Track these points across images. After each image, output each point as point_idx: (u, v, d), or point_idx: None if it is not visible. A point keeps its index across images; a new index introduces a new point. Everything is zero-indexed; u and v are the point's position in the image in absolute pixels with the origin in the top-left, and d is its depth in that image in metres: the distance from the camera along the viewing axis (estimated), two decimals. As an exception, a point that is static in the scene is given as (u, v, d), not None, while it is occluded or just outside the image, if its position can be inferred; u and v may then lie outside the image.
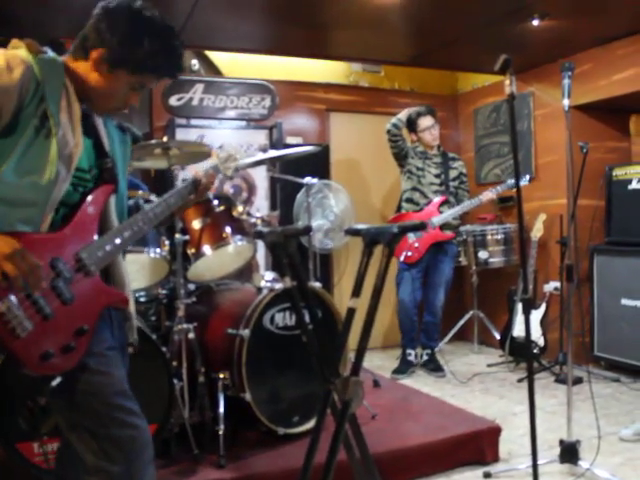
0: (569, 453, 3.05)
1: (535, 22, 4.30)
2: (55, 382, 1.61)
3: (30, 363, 1.55)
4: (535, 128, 5.54)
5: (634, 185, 4.83)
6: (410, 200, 5.10)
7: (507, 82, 2.39)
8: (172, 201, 1.95)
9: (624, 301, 4.77)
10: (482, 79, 6.14)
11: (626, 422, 3.72)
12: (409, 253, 4.96)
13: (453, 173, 5.15)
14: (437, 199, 5.02)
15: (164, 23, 1.74)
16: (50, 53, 1.69)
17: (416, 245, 4.96)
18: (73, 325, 1.62)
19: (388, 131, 5.07)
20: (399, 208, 5.22)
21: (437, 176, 5.09)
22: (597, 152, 5.02)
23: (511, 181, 5.06)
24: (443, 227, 5.01)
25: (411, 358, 5.13)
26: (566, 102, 3.03)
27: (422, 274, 5.08)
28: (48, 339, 1.57)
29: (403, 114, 5.12)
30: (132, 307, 1.89)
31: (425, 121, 5.09)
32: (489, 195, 5.01)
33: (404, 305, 5.05)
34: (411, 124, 5.14)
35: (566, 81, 3.05)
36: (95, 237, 1.72)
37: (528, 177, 5.14)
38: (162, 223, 2.04)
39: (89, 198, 1.73)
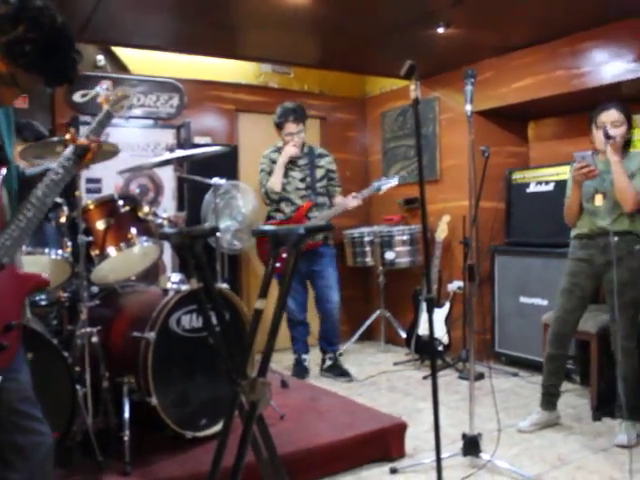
0: (471, 446, 3.17)
1: (440, 30, 4.42)
2: None
3: None
4: (440, 132, 5.70)
5: (532, 188, 5.07)
6: (277, 210, 4.91)
7: (412, 87, 2.46)
8: (61, 172, 1.82)
9: (522, 299, 4.99)
10: (390, 83, 6.25)
11: (524, 414, 3.88)
12: (277, 264, 4.89)
13: (320, 172, 4.95)
14: (304, 205, 4.83)
15: (58, 20, 1.63)
16: None
17: (284, 255, 4.89)
18: (0, 323, 1.54)
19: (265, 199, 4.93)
20: (268, 218, 4.99)
21: (302, 180, 4.89)
22: (498, 156, 5.22)
23: (376, 184, 4.88)
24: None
25: (306, 364, 5.05)
26: (468, 108, 3.14)
27: (301, 279, 4.90)
28: None
29: (275, 183, 4.81)
30: None
31: (290, 127, 4.83)
32: (354, 202, 4.78)
33: (289, 311, 4.88)
34: (278, 122, 4.89)
35: (468, 87, 3.16)
36: None
37: (397, 178, 4.93)
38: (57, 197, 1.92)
39: None
